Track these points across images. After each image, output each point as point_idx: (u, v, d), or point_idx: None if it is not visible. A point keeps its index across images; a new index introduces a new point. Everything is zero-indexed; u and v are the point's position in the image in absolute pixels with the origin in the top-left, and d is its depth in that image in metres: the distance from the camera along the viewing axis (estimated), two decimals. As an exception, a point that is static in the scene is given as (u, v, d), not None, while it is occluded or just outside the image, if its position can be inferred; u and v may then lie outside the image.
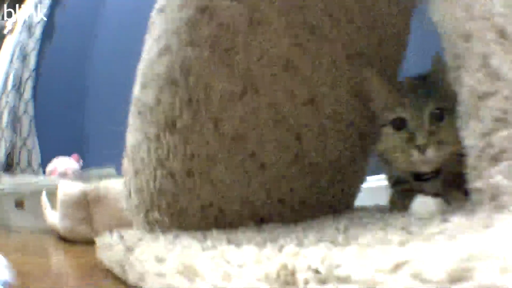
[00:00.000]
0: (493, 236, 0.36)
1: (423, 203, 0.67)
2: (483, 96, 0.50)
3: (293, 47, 0.83)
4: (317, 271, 0.37)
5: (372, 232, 0.52)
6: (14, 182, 3.00)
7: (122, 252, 0.69)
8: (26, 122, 3.61)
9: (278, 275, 0.40)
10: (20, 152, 3.57)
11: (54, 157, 3.21)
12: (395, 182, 0.83)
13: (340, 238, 0.52)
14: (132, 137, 0.97)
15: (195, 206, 0.79)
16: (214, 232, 0.71)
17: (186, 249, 0.58)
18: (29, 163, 3.53)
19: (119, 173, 2.75)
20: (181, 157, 0.80)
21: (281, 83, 0.84)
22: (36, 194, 2.23)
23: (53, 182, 2.78)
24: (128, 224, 1.01)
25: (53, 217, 1.64)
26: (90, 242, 1.34)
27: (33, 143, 3.59)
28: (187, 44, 0.76)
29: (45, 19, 3.69)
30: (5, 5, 3.88)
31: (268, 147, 0.85)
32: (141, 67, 0.91)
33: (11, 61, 3.66)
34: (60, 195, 1.55)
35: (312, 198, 0.90)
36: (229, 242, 0.60)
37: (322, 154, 0.90)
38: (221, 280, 0.45)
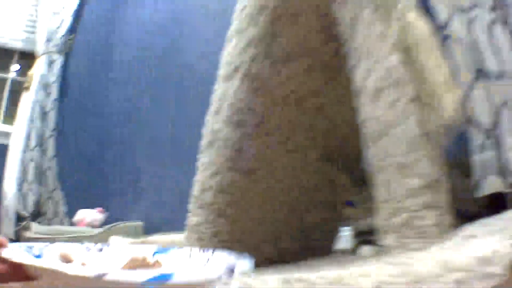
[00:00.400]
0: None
1: (364, 249, 1.21)
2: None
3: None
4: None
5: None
6: (45, 230, 3.48)
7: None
8: (51, 177, 3.98)
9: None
10: (46, 203, 3.93)
11: (78, 208, 3.65)
12: (355, 235, 1.36)
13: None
14: (198, 181, 1.38)
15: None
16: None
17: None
18: (56, 214, 3.89)
19: (146, 226, 3.19)
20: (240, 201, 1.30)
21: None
22: (67, 240, 2.68)
23: (83, 231, 3.27)
24: None
25: None
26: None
27: (58, 195, 3.96)
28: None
29: (59, 78, 4.09)
30: (15, 60, 4.27)
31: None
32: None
33: (31, 120, 3.95)
34: None
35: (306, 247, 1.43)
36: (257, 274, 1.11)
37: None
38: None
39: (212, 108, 1.33)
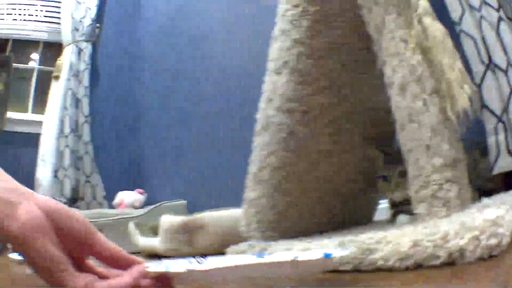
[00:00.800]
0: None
1: (401, 218, 1.50)
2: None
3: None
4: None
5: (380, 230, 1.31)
6: (86, 214, 3.66)
7: (258, 251, 1.47)
8: (88, 162, 4.16)
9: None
10: (84, 188, 4.12)
11: (116, 192, 3.85)
12: (392, 206, 1.65)
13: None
14: (255, 160, 1.59)
15: (291, 225, 1.59)
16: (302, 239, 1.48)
17: (298, 241, 1.37)
18: (94, 197, 4.09)
19: (189, 205, 3.43)
20: (294, 177, 1.56)
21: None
22: (109, 223, 2.89)
23: (125, 213, 3.42)
24: (223, 244, 1.64)
25: (147, 241, 2.15)
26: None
27: (96, 179, 4.15)
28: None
29: (89, 66, 4.27)
30: (40, 50, 4.49)
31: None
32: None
33: (64, 107, 4.15)
34: (165, 223, 2.03)
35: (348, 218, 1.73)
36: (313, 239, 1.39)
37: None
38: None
39: (264, 96, 1.56)
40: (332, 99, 1.59)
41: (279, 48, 1.54)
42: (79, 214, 0.78)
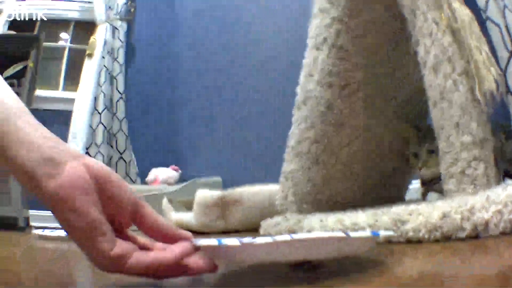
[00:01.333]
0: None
1: (431, 195, 1.60)
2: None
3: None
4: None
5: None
6: None
7: (293, 223, 1.57)
8: (121, 139, 4.29)
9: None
10: (117, 165, 4.24)
11: (149, 169, 3.97)
12: (422, 184, 1.74)
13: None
14: (294, 133, 1.69)
15: (326, 198, 1.69)
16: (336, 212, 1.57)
17: (332, 215, 1.46)
18: (127, 174, 4.21)
19: (224, 182, 3.52)
20: (332, 150, 1.65)
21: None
22: (145, 199, 2.99)
23: (159, 189, 3.50)
24: (257, 220, 1.77)
25: (180, 216, 2.23)
26: (224, 233, 2.03)
27: (129, 156, 4.27)
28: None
29: (124, 44, 4.40)
30: (72, 28, 4.66)
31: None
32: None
33: (98, 84, 4.28)
34: (200, 198, 2.12)
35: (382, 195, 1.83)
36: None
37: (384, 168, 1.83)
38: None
39: (304, 71, 1.65)
40: (368, 75, 1.68)
41: (318, 25, 1.63)
42: (129, 185, 0.75)
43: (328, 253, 0.76)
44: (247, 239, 0.71)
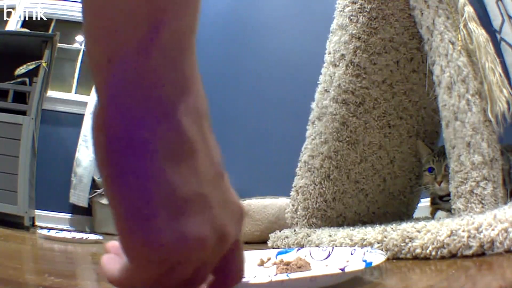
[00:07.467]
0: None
1: (440, 213, 1.65)
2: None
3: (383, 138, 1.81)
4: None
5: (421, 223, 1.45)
6: None
7: (301, 237, 1.62)
8: None
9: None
10: None
11: None
12: (432, 203, 1.79)
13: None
14: (307, 148, 1.76)
15: (336, 213, 1.75)
16: (346, 228, 1.62)
17: (341, 230, 1.51)
18: None
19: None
20: (344, 167, 1.71)
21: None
22: None
23: None
24: (266, 232, 1.83)
25: None
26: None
27: None
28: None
29: None
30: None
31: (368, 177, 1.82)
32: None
33: None
34: None
35: (391, 212, 1.88)
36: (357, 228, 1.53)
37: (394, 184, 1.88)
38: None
39: (321, 87, 1.71)
40: (384, 93, 1.74)
41: (337, 41, 1.70)
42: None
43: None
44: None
